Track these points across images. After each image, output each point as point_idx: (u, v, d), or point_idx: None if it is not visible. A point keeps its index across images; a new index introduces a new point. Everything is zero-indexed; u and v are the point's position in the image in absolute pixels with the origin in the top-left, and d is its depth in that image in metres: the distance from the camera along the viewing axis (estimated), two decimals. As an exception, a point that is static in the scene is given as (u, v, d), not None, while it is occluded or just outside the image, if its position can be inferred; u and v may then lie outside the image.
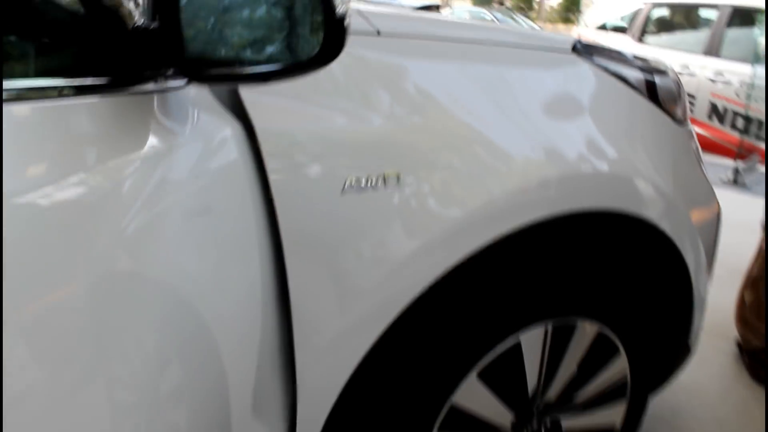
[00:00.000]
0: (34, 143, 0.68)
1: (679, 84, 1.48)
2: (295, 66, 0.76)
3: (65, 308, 0.70)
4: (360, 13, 1.06)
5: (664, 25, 7.00)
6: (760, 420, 2.04)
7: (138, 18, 0.75)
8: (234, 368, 0.94)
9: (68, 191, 0.69)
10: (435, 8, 10.14)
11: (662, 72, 1.44)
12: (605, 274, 1.36)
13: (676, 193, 1.37)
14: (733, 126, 5.55)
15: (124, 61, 0.76)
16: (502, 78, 1.14)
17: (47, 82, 0.72)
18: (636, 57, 1.42)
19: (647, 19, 6.82)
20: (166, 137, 0.81)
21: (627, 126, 1.31)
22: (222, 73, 0.76)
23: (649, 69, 1.40)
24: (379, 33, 1.03)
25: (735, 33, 5.87)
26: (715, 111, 5.80)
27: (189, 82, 0.83)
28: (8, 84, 0.67)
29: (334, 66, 0.92)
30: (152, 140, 0.79)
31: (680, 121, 1.47)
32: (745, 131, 5.30)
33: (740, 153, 5.04)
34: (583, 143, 1.21)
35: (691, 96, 5.94)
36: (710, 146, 5.64)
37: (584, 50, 1.27)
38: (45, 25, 0.74)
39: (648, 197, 1.30)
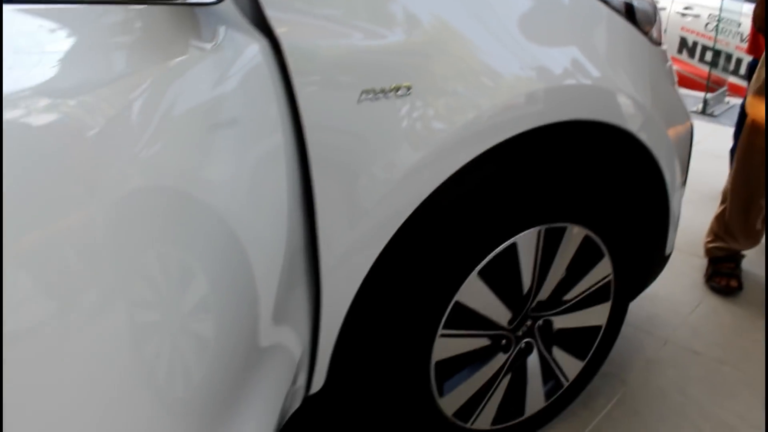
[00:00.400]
0: (79, 43, 0.76)
1: (654, 6, 1.59)
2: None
3: (90, 221, 0.73)
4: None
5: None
6: (729, 325, 2.21)
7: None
8: (262, 276, 1.03)
9: (102, 91, 0.76)
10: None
11: (641, -4, 1.54)
12: (591, 182, 1.48)
13: (654, 107, 1.48)
14: (702, 59, 5.68)
15: None
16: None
17: None
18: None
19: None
20: (199, 48, 0.89)
21: (607, 43, 1.42)
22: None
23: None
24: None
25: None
26: (684, 45, 5.92)
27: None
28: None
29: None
30: (185, 49, 0.87)
31: (656, 42, 1.57)
32: (713, 64, 5.44)
33: (709, 86, 5.18)
34: (567, 59, 1.31)
35: (660, 31, 6.05)
36: (681, 80, 5.77)
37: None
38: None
39: (628, 109, 1.41)
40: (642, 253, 1.69)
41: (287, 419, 1.27)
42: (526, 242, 1.36)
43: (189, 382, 0.92)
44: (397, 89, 1.08)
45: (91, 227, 0.73)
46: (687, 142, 1.73)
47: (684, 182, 1.75)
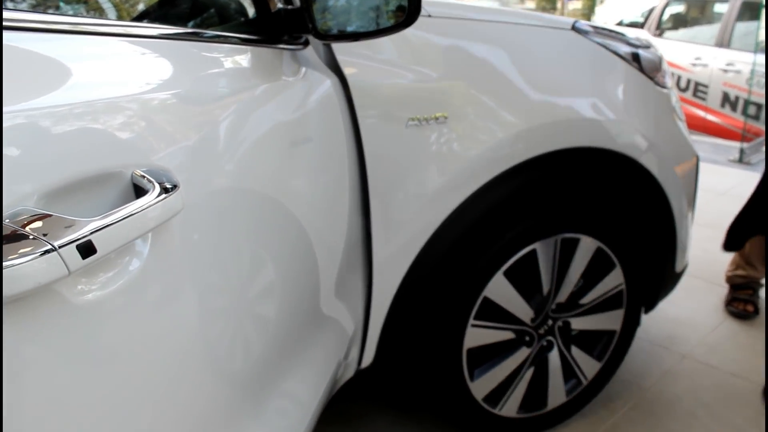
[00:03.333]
0: (207, 70, 1.03)
1: (660, 56, 1.87)
2: (386, 29, 1.17)
3: (190, 216, 0.85)
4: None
5: (678, 21, 7.33)
6: (745, 345, 2.41)
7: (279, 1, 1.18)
8: (324, 264, 1.31)
9: (215, 103, 0.98)
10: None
11: (646, 46, 1.83)
12: (604, 202, 1.76)
13: (657, 139, 1.76)
14: (745, 113, 5.88)
15: (271, 28, 1.18)
16: (518, 48, 1.54)
17: (226, 33, 1.13)
18: (623, 34, 1.81)
19: (662, 14, 7.16)
20: (287, 81, 1.20)
21: (615, 86, 1.71)
22: (336, 34, 1.18)
23: (635, 44, 1.79)
24: (430, 15, 1.43)
25: (744, 25, 6.19)
26: (727, 99, 6.13)
27: (306, 45, 1.25)
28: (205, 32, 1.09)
29: (399, 39, 1.33)
30: (278, 80, 1.18)
31: (662, 85, 1.85)
32: (748, 115, 5.65)
33: (745, 135, 5.38)
34: (582, 98, 1.60)
35: (704, 86, 6.28)
36: (723, 132, 6.00)
37: (581, 28, 1.67)
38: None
39: (634, 140, 1.69)
40: (651, 267, 1.94)
41: (340, 387, 1.54)
42: (545, 249, 1.63)
43: (252, 349, 1.09)
44: (437, 118, 1.38)
45: (189, 222, 0.87)
46: (693, 173, 1.98)
47: (692, 211, 2.00)
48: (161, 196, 0.73)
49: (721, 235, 2.61)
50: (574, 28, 1.65)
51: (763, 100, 5.69)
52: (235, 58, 1.11)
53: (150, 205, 0.71)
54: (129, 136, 0.78)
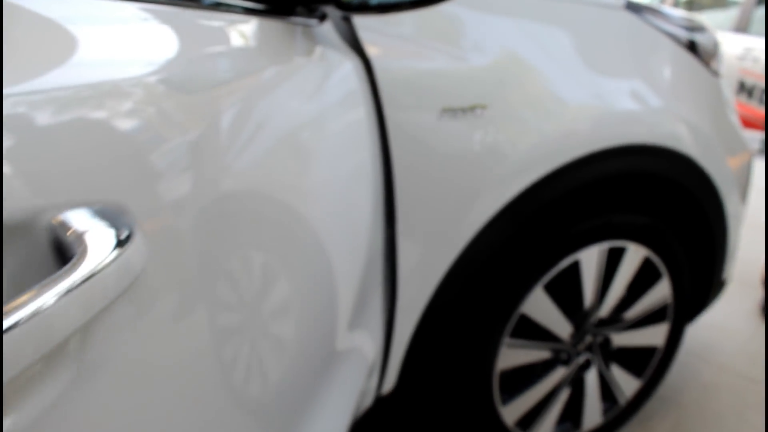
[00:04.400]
0: (200, 48, 0.84)
1: (715, 41, 1.66)
2: (423, 1, 0.96)
3: (182, 222, 0.73)
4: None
5: (693, 6, 7.10)
6: (788, 356, 2.22)
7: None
8: (343, 278, 1.11)
9: (214, 90, 0.82)
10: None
11: (701, 29, 1.62)
12: (653, 206, 1.55)
13: (714, 134, 1.55)
14: (762, 101, 5.67)
15: None
16: (569, 29, 1.33)
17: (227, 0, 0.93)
18: (678, 15, 1.60)
19: (676, 1, 6.93)
20: (299, 62, 1.00)
21: (671, 74, 1.50)
22: (361, 4, 0.97)
23: (691, 26, 1.59)
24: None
25: (762, 11, 5.97)
26: (743, 87, 5.92)
27: (323, 19, 1.04)
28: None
29: (434, 15, 1.12)
30: (289, 62, 0.98)
31: (716, 73, 1.65)
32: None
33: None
34: (633, 87, 1.40)
35: (719, 73, 6.06)
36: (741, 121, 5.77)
37: (635, 8, 1.46)
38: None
39: (688, 136, 1.48)
40: (699, 276, 1.74)
41: (359, 417, 1.35)
42: (589, 259, 1.43)
43: (268, 380, 0.96)
44: (473, 108, 1.18)
45: (182, 228, 0.74)
46: (746, 170, 1.78)
47: (743, 208, 1.80)
48: (104, 258, 0.48)
49: (747, 232, 2.41)
50: (628, 6, 1.44)
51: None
52: (237, 33, 0.91)
53: (76, 284, 0.45)
54: (69, 146, 0.55)
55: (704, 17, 6.71)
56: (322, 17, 1.07)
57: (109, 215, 0.53)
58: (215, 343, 0.83)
